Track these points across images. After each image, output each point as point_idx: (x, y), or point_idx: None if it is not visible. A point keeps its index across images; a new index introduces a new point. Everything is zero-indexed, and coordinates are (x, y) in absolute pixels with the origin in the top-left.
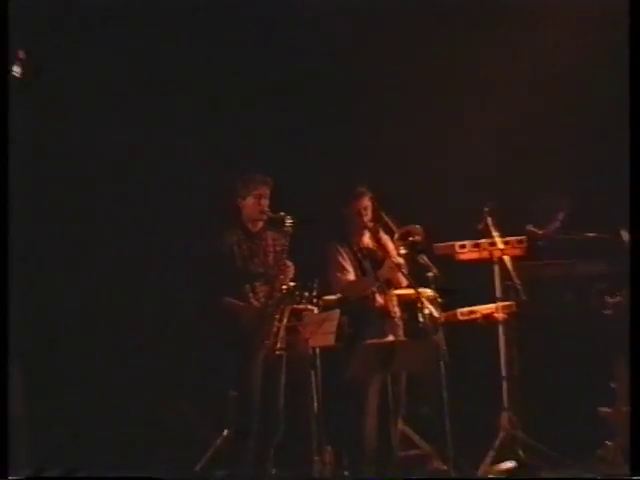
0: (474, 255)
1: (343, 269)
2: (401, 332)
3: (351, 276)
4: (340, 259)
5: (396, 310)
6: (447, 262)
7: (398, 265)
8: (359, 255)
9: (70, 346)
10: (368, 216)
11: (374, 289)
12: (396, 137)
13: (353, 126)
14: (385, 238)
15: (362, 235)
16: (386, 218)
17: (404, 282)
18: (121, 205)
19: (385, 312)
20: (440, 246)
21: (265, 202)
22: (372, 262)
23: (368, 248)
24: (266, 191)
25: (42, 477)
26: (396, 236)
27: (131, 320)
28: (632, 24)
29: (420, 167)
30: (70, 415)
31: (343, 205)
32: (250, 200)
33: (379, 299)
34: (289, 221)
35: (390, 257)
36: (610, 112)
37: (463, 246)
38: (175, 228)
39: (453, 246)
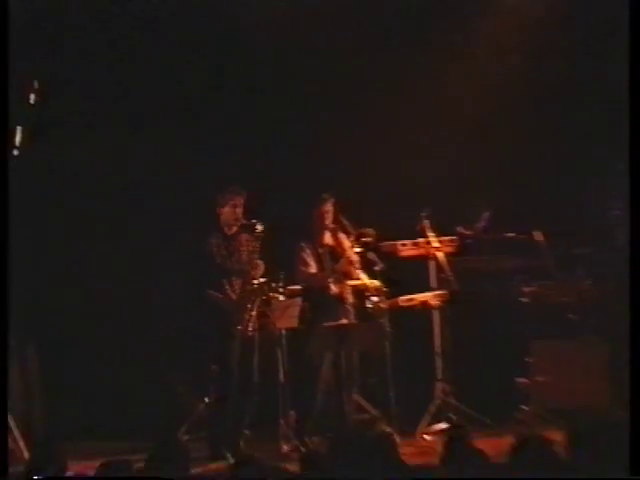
0: (413, 252)
1: (306, 263)
2: (352, 316)
3: (312, 269)
4: (304, 255)
5: (349, 298)
6: (392, 258)
7: (352, 261)
8: (320, 252)
9: (72, 329)
10: (329, 219)
11: (331, 280)
12: (355, 149)
13: (315, 141)
14: (342, 238)
15: (323, 235)
16: (344, 221)
17: (356, 274)
18: (122, 211)
19: (340, 299)
20: (386, 245)
21: (240, 210)
22: (331, 258)
23: (328, 246)
24: (241, 201)
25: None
26: (352, 236)
27: (133, 310)
28: (632, 24)
29: (372, 175)
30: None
31: (309, 209)
32: (227, 208)
33: (334, 288)
34: (259, 227)
35: (346, 254)
36: (528, 120)
37: (404, 245)
38: (168, 232)
39: (396, 245)
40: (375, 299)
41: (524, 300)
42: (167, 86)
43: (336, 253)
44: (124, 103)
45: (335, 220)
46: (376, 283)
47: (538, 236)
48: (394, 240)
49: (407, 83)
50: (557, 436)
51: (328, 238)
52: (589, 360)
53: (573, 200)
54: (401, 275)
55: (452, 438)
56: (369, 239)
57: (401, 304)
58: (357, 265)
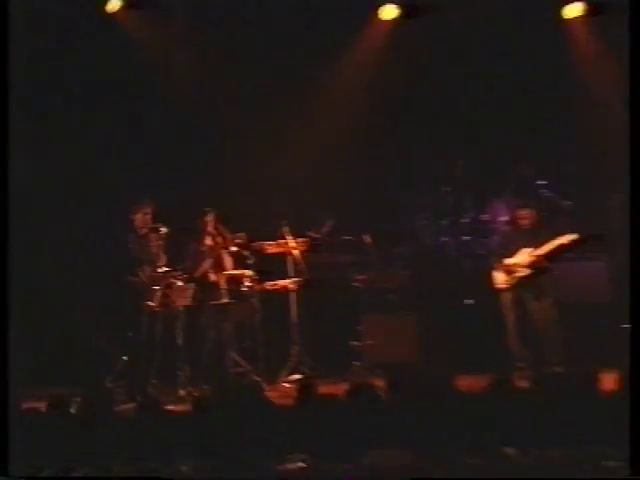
0: (276, 250)
1: (193, 258)
2: (231, 297)
3: (197, 263)
4: (192, 252)
5: (225, 284)
6: (261, 254)
7: (228, 256)
8: (203, 249)
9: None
10: (211, 226)
11: (210, 270)
12: (235, 170)
13: (202, 164)
14: (220, 240)
15: (206, 238)
16: (221, 228)
17: (231, 266)
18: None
19: (219, 285)
20: (256, 244)
21: (148, 217)
22: (211, 254)
23: (209, 245)
24: (149, 210)
25: (41, 477)
26: (228, 239)
27: (74, 287)
28: (632, 24)
29: (245, 192)
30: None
31: (196, 218)
32: (139, 215)
33: (213, 277)
34: (163, 229)
35: (223, 251)
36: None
37: (270, 244)
38: (100, 233)
39: (263, 244)
40: (248, 284)
41: (356, 285)
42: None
43: (215, 251)
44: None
45: (215, 227)
46: (249, 272)
47: (367, 238)
48: (262, 241)
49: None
50: (380, 383)
51: (209, 240)
52: (403, 328)
53: (392, 212)
54: (268, 266)
55: (304, 385)
56: (241, 241)
57: (267, 288)
58: (232, 259)
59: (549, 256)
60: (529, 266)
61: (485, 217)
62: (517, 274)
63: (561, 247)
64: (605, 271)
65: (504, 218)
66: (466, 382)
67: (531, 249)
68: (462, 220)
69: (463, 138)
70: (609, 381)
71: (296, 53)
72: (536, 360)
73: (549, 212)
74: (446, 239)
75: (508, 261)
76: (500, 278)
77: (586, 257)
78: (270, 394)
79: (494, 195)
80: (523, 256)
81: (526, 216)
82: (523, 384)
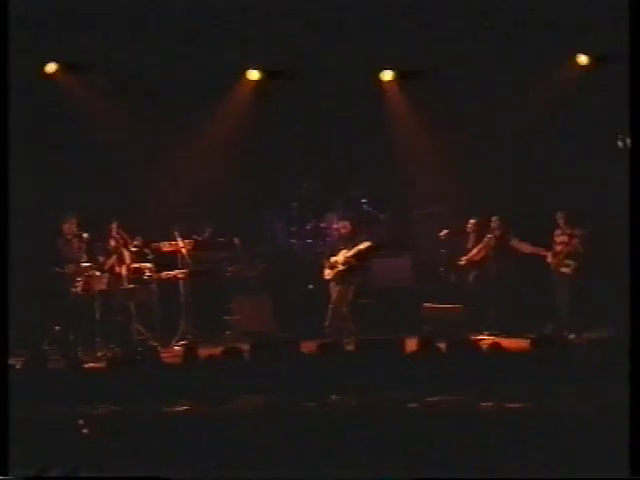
0: (170, 249)
1: (102, 255)
2: (133, 284)
3: (103, 259)
4: (102, 250)
5: (130, 274)
6: (158, 252)
7: (128, 253)
8: (109, 249)
9: None
10: (115, 232)
11: (116, 264)
12: (135, 187)
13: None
14: (122, 242)
15: (110, 241)
16: (122, 233)
17: (131, 261)
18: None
19: (126, 275)
20: (154, 245)
21: (73, 226)
22: (115, 253)
23: (115, 246)
24: (73, 220)
25: (44, 477)
26: (129, 241)
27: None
28: (632, 24)
29: (145, 201)
30: None
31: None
32: (66, 225)
33: (117, 269)
34: (85, 235)
35: (124, 251)
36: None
37: (164, 245)
38: (37, 236)
39: (159, 245)
40: (148, 274)
41: (228, 274)
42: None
43: (118, 250)
44: None
45: (118, 232)
46: (149, 265)
47: (236, 240)
48: (159, 242)
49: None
50: (245, 346)
51: (113, 242)
52: (262, 306)
53: (255, 220)
54: (164, 261)
55: (189, 348)
56: (138, 242)
57: (163, 277)
58: (133, 256)
59: (354, 257)
60: (343, 263)
61: (322, 225)
62: (336, 269)
63: (360, 251)
64: (408, 265)
65: (335, 226)
66: (307, 345)
67: (345, 251)
68: (306, 227)
69: (306, 167)
70: (411, 345)
71: (183, 103)
72: (358, 328)
73: (368, 223)
74: (294, 241)
75: (331, 259)
76: (326, 271)
77: (396, 255)
78: (164, 355)
79: (328, 209)
80: (340, 256)
81: (345, 226)
82: (349, 347)
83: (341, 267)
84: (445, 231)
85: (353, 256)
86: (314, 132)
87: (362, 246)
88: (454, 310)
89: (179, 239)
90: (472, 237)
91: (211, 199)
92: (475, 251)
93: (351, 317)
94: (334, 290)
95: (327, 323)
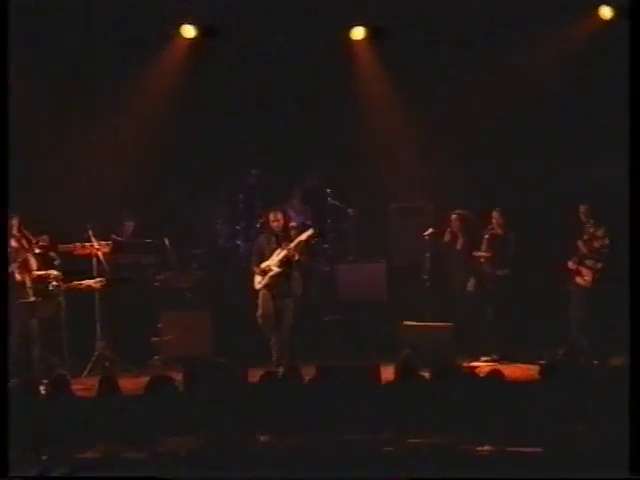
0: (82, 252)
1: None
2: (35, 296)
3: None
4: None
5: (31, 283)
6: (68, 256)
7: (33, 257)
8: (9, 251)
9: None
10: (15, 230)
11: (17, 270)
12: (40, 171)
13: None
14: (24, 242)
15: (10, 240)
16: (25, 232)
17: (37, 266)
18: None
19: (26, 284)
20: (62, 246)
21: (15, 228)
22: (20, 256)
23: (16, 247)
24: (16, 222)
25: (45, 477)
26: (32, 241)
27: None
28: (632, 24)
29: (53, 195)
30: None
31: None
32: (13, 227)
33: (18, 277)
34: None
35: (28, 254)
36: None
37: (75, 246)
38: None
39: (69, 246)
40: (55, 284)
41: (157, 284)
42: None
43: (20, 253)
44: None
45: (19, 230)
46: (55, 273)
47: (167, 241)
48: (68, 242)
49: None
50: (178, 376)
51: (14, 242)
52: (199, 324)
53: (190, 217)
54: (75, 267)
55: (106, 378)
56: (44, 243)
57: (74, 287)
58: (38, 260)
59: (292, 254)
60: (279, 265)
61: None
62: (270, 274)
63: (300, 244)
64: (382, 271)
65: (293, 223)
66: (255, 374)
67: (279, 250)
68: (254, 225)
69: (254, 149)
70: (387, 374)
71: (101, 69)
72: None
73: (333, 219)
74: (239, 242)
75: (263, 264)
76: (257, 280)
77: (368, 260)
78: (75, 387)
79: (283, 202)
80: (274, 257)
81: (277, 218)
82: (308, 376)
83: (275, 271)
84: (430, 230)
85: (290, 254)
86: (264, 105)
87: (303, 236)
88: (442, 329)
89: (94, 239)
90: (461, 235)
91: (135, 189)
92: (484, 248)
93: (293, 342)
94: (266, 304)
95: (275, 356)
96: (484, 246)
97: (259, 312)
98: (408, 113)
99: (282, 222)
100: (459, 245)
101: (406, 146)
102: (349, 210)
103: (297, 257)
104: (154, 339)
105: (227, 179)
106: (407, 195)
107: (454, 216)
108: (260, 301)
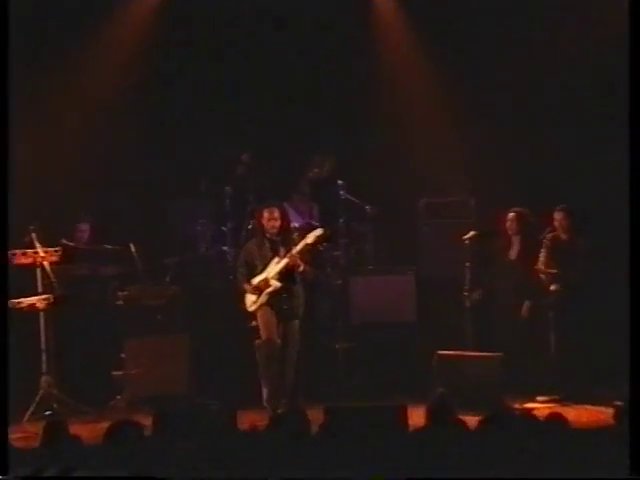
0: (23, 261)
1: None
2: None
3: None
4: None
5: None
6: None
7: None
8: None
9: None
10: None
11: None
12: None
13: None
14: None
15: None
16: None
17: None
18: None
19: None
20: None
21: None
22: None
23: None
24: None
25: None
26: None
27: None
28: (632, 24)
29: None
30: None
31: None
32: None
33: None
34: None
35: None
36: None
37: (14, 254)
38: None
39: (7, 254)
40: None
41: (119, 303)
42: None
43: None
44: None
45: None
46: None
47: (132, 247)
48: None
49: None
50: (147, 420)
51: None
52: (174, 354)
53: (162, 217)
54: (12, 281)
55: (51, 424)
56: None
57: (11, 307)
58: None
59: (297, 263)
60: (279, 278)
61: None
62: (267, 291)
63: (305, 248)
64: (410, 286)
65: (295, 224)
66: (246, 417)
67: (276, 259)
68: (246, 226)
69: (243, 132)
70: (417, 417)
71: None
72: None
73: (347, 218)
74: (226, 248)
75: (255, 279)
76: (249, 299)
77: (391, 271)
78: (14, 437)
79: (282, 198)
80: (270, 269)
81: (272, 216)
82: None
83: (275, 286)
84: (472, 232)
85: (293, 263)
86: (254, 74)
87: (309, 238)
88: (487, 360)
89: (38, 245)
90: (516, 241)
91: (91, 182)
92: (543, 259)
93: (297, 377)
94: (270, 326)
95: (265, 397)
96: (544, 255)
97: (263, 337)
98: (442, 76)
99: (279, 222)
100: (513, 254)
101: (440, 122)
102: (367, 207)
103: (302, 267)
104: (116, 373)
105: (210, 167)
106: (441, 187)
107: (511, 215)
108: (261, 322)
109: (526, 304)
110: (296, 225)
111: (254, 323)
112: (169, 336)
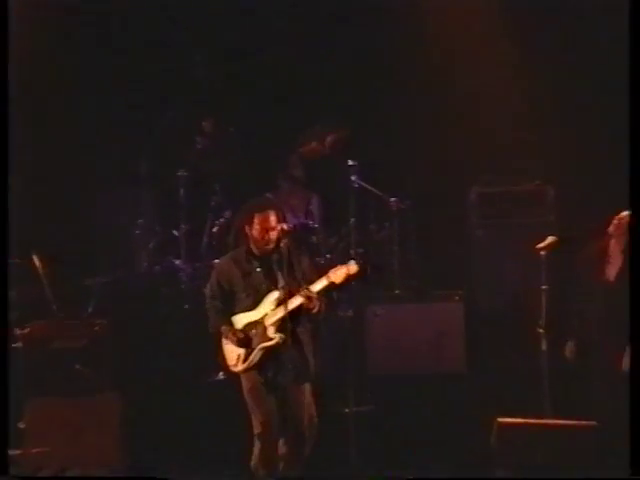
0: None
1: None
2: None
3: None
4: None
5: None
6: None
7: None
8: None
9: None
10: None
11: None
12: None
13: None
14: None
15: None
16: None
17: None
18: None
19: None
20: None
21: None
22: None
23: None
24: None
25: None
26: None
27: None
28: (632, 24)
29: None
30: None
31: None
32: None
33: None
34: None
35: None
36: None
37: None
38: None
39: None
40: None
41: (17, 345)
42: None
43: None
44: None
45: None
46: None
47: (37, 261)
48: None
49: None
50: None
51: None
52: (99, 422)
53: (83, 223)
54: None
55: None
56: None
57: None
58: None
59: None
60: (281, 325)
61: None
62: (263, 345)
63: (332, 286)
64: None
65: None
66: None
67: (276, 294)
68: (210, 227)
69: (209, 88)
70: None
71: None
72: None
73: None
74: (178, 262)
75: (241, 318)
76: (231, 355)
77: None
78: None
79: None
80: (265, 307)
81: (267, 224)
82: None
83: (277, 339)
84: (550, 238)
85: (311, 306)
86: (236, 41)
87: (337, 277)
88: (575, 431)
89: None
90: (618, 254)
91: None
92: None
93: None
94: (259, 406)
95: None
96: None
97: (256, 426)
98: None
99: (277, 233)
100: (612, 274)
101: (496, 100)
102: (391, 200)
103: (317, 308)
104: (12, 452)
105: (153, 142)
106: (501, 173)
107: (616, 221)
108: (253, 398)
109: (627, 351)
110: (285, 227)
111: (221, 375)
112: (92, 396)
